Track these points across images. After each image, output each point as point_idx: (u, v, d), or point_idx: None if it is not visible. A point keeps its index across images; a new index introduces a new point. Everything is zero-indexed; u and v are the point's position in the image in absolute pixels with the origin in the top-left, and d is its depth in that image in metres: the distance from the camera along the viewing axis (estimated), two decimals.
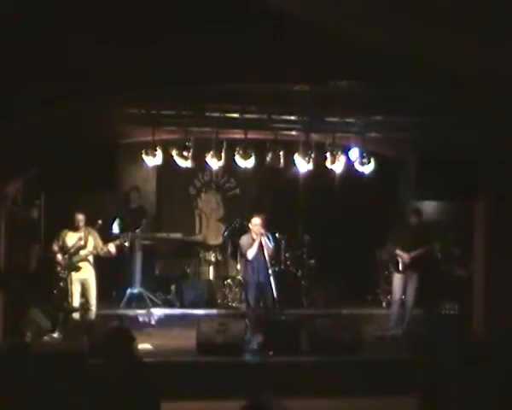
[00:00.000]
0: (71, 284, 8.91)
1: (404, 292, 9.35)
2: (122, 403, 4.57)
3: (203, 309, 10.50)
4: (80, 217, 9.01)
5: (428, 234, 9.49)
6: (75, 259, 8.95)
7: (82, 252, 9.00)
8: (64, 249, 8.99)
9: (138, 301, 10.58)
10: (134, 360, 4.96)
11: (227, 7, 6.05)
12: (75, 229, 9.03)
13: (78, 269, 8.94)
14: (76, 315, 8.86)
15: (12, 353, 4.39)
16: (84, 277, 9.02)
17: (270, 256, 9.17)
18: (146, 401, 4.71)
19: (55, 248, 9.03)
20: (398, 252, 9.35)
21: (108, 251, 9.10)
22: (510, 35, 5.16)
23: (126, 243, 9.66)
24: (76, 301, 8.94)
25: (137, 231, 9.57)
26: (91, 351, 7.01)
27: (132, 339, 4.95)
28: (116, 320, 8.89)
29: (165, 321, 9.84)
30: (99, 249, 9.05)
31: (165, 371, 6.49)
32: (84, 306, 9.02)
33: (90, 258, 9.09)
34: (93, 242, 9.09)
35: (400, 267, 9.35)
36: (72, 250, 8.97)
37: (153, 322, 9.70)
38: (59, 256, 8.95)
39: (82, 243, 9.01)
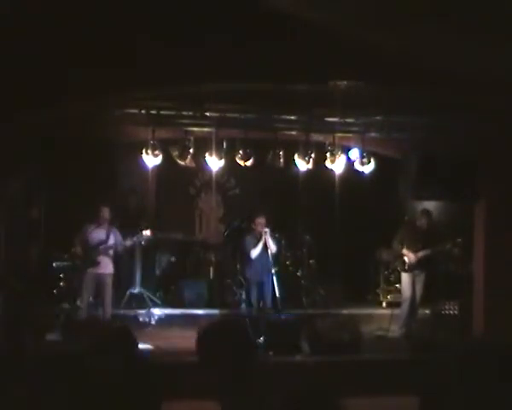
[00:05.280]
0: (83, 281, 8.83)
1: (413, 291, 9.31)
2: (122, 403, 4.57)
3: (203, 309, 10.49)
4: (106, 209, 8.92)
5: (438, 236, 9.43)
6: (94, 253, 8.88)
7: (102, 246, 8.92)
8: (85, 243, 8.93)
9: (138, 301, 10.57)
10: (136, 360, 4.96)
11: (227, 7, 6.06)
12: (98, 222, 8.94)
13: (96, 264, 8.84)
14: (78, 315, 8.81)
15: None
16: (101, 271, 8.89)
17: (273, 256, 9.19)
18: (147, 401, 4.71)
19: (76, 241, 8.99)
20: (404, 251, 9.32)
21: (124, 246, 9.10)
22: (510, 35, 5.16)
23: (142, 242, 9.78)
24: (85, 299, 8.85)
25: (147, 232, 9.43)
26: (92, 351, 7.00)
27: (134, 339, 4.95)
28: (116, 320, 8.86)
29: (165, 321, 9.83)
30: (118, 245, 9.00)
31: (165, 371, 6.48)
32: (100, 305, 8.95)
33: (110, 254, 9.01)
34: (114, 237, 9.02)
35: (406, 267, 9.32)
36: (92, 244, 8.90)
37: (153, 322, 9.69)
38: (78, 249, 8.91)
39: (103, 237, 8.94)
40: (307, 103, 8.07)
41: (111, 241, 8.97)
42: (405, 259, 9.32)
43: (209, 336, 2.46)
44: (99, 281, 8.90)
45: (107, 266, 8.97)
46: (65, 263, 9.46)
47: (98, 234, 8.95)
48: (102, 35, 6.15)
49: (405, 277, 9.40)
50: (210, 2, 6.20)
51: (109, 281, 8.96)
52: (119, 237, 9.08)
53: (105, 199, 9.78)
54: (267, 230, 9.14)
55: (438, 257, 9.53)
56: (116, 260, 9.58)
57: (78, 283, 8.97)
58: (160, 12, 6.14)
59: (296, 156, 9.33)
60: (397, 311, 9.64)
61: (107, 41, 6.18)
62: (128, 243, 9.13)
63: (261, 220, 9.13)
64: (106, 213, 8.95)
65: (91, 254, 8.88)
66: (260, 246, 9.11)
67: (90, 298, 8.99)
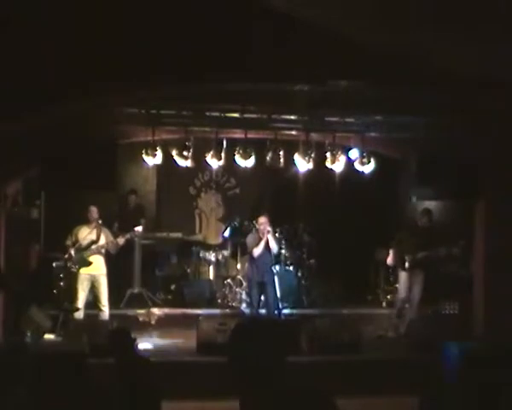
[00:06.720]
0: (78, 282, 8.79)
1: (409, 290, 9.30)
2: (123, 402, 4.57)
3: (203, 309, 10.50)
4: (93, 209, 8.91)
5: (439, 236, 9.40)
6: (86, 253, 8.84)
7: (93, 246, 8.88)
8: (76, 244, 8.87)
9: (138, 301, 10.58)
10: (135, 360, 4.98)
11: (227, 7, 6.06)
12: (88, 222, 8.91)
13: (88, 264, 8.81)
14: (78, 315, 8.79)
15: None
16: (95, 273, 8.87)
17: (275, 255, 9.21)
18: (147, 400, 4.72)
19: (68, 243, 8.91)
20: (404, 251, 9.30)
21: (117, 244, 9.00)
22: (510, 35, 5.16)
23: (136, 239, 9.80)
24: (81, 299, 8.80)
25: (139, 228, 9.45)
26: (92, 351, 7.01)
27: (132, 339, 4.97)
28: (116, 321, 8.85)
29: (165, 321, 9.83)
30: (109, 243, 8.93)
31: (165, 371, 6.49)
32: (97, 305, 8.91)
33: (103, 253, 8.95)
34: (105, 236, 8.98)
35: (406, 265, 9.30)
36: (83, 245, 8.86)
37: (153, 322, 9.69)
38: (70, 251, 8.83)
39: (94, 237, 8.90)
40: (307, 103, 8.06)
41: (102, 240, 8.95)
42: (405, 258, 9.32)
43: (242, 334, 2.42)
44: (93, 281, 8.88)
45: (100, 266, 8.94)
46: (62, 264, 9.44)
47: (89, 234, 8.91)
48: (103, 35, 6.15)
49: (403, 276, 9.40)
50: (210, 2, 6.20)
51: (104, 281, 8.92)
52: (110, 236, 9.05)
53: (105, 199, 9.79)
54: (270, 229, 9.17)
55: (438, 257, 9.53)
56: (116, 259, 9.57)
57: (73, 284, 8.92)
58: (160, 12, 6.14)
59: (296, 156, 9.33)
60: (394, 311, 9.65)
61: (107, 41, 6.18)
62: (120, 240, 9.07)
63: (264, 220, 9.16)
64: (94, 212, 8.94)
65: (83, 254, 8.84)
66: (263, 245, 9.13)
67: (87, 299, 8.94)
